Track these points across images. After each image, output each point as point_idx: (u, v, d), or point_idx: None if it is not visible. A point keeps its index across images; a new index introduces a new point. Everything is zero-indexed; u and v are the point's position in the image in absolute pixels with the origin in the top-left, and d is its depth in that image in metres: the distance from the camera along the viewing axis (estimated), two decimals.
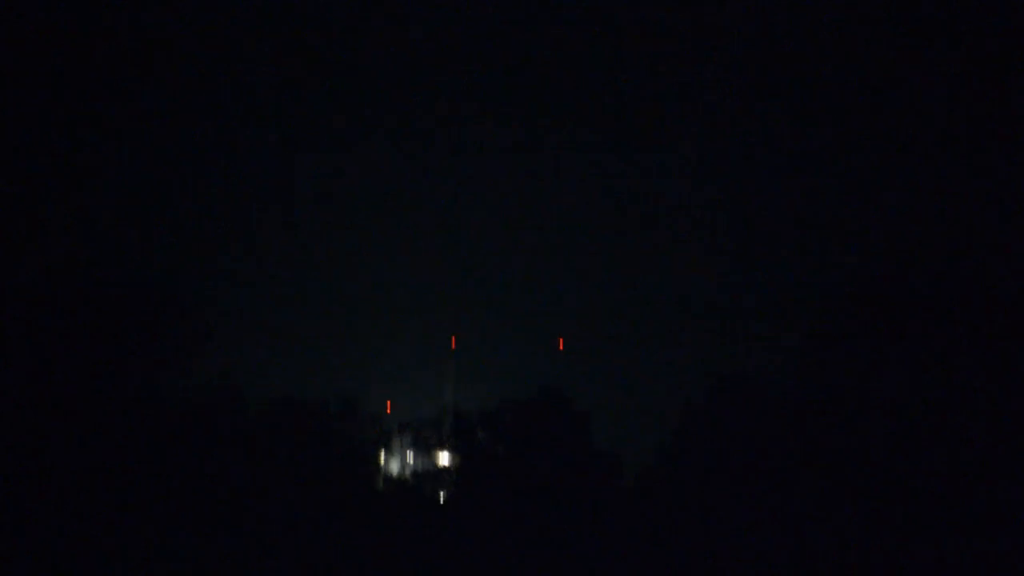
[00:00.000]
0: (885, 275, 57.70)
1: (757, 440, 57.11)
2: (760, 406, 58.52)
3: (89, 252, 62.12)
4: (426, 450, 64.29)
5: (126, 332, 58.01)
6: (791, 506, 54.57)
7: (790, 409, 57.47)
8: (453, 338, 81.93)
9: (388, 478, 64.24)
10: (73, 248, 63.66)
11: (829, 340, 58.25)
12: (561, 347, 74.68)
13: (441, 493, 63.24)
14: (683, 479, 58.32)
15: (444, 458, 64.05)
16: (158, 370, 58.81)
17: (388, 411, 67.00)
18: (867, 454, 54.12)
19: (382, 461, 66.10)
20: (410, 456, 65.24)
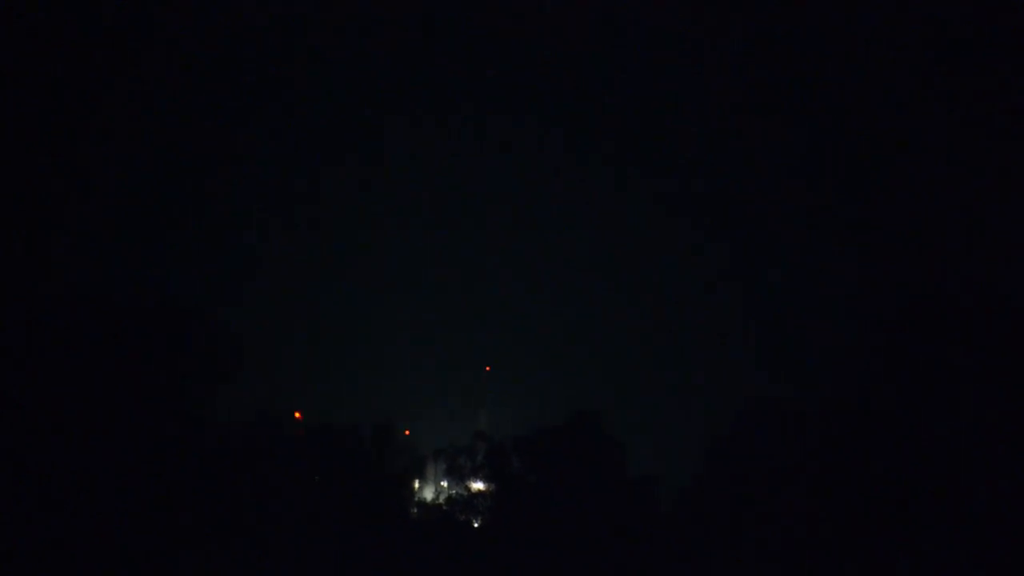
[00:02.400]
0: (918, 299, 57.32)
1: (792, 465, 56.63)
2: (795, 430, 58.12)
3: (128, 281, 62.93)
4: (460, 477, 64.27)
5: (163, 361, 58.55)
6: (827, 531, 54.01)
7: (825, 433, 57.01)
8: (487, 368, 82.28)
9: (422, 504, 64.31)
10: (112, 278, 64.55)
11: (862, 364, 57.84)
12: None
13: (475, 520, 63.18)
14: (718, 506, 57.84)
15: (478, 485, 64.02)
16: (194, 398, 59.25)
17: (422, 438, 67.26)
18: (902, 477, 53.53)
19: (416, 487, 66.26)
20: (444, 483, 65.31)
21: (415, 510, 63.82)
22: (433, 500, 64.61)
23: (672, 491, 61.61)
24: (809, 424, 58.47)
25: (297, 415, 62.42)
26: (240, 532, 55.70)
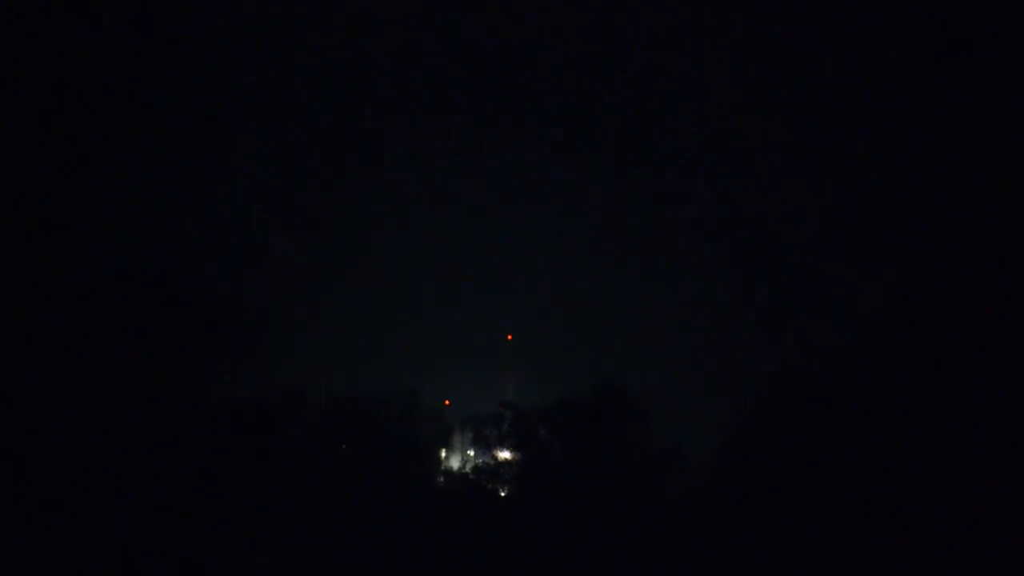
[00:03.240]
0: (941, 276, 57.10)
1: (819, 437, 56.53)
2: (823, 403, 57.96)
3: (148, 257, 63.29)
4: (486, 446, 64.53)
5: (188, 334, 58.95)
6: (853, 503, 54.00)
7: (853, 406, 56.88)
8: (509, 336, 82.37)
9: (448, 473, 64.66)
10: (131, 253, 64.93)
11: (888, 337, 57.58)
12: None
13: (501, 489, 63.49)
14: (745, 475, 57.84)
15: (504, 454, 64.28)
16: (221, 370, 59.66)
17: (448, 407, 67.52)
18: (927, 452, 53.40)
19: (442, 457, 66.62)
20: (470, 452, 65.63)
21: (441, 479, 64.19)
22: (459, 469, 64.93)
23: (697, 461, 61.66)
24: (843, 396, 58.39)
25: (323, 399, 62.55)
26: (266, 503, 56.27)
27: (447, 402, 66.59)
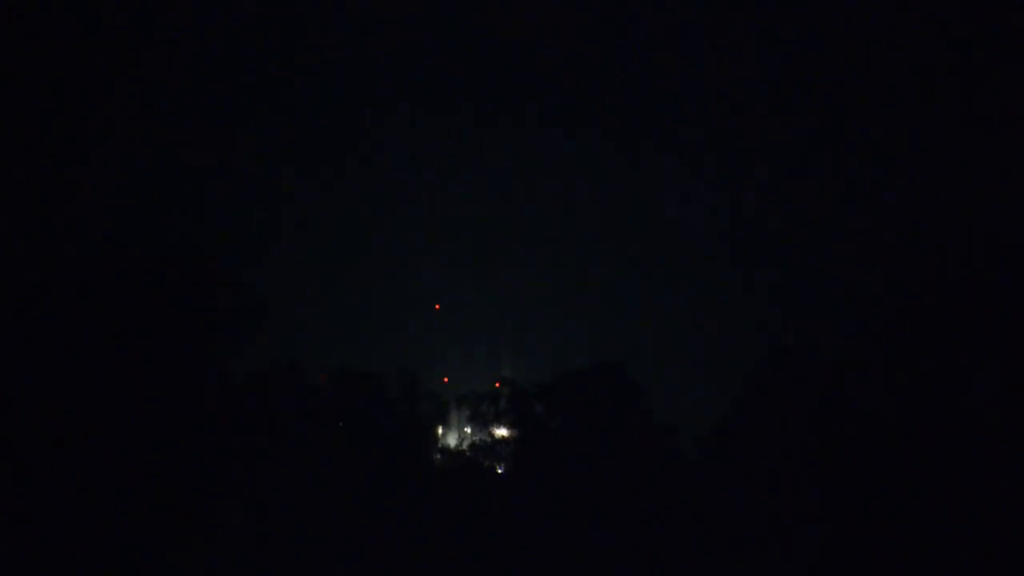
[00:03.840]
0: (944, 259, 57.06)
1: (816, 412, 56.52)
2: (819, 378, 57.92)
3: (146, 232, 63.13)
4: (483, 423, 64.46)
5: (185, 309, 58.86)
6: (850, 479, 54.01)
7: (849, 381, 56.82)
8: (506, 312, 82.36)
9: (445, 450, 64.65)
10: (130, 228, 64.79)
11: (890, 312, 57.55)
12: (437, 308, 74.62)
13: (498, 466, 63.52)
14: (741, 451, 57.88)
15: (501, 431, 64.25)
16: (220, 348, 59.64)
17: (445, 384, 67.53)
18: (928, 428, 53.38)
19: (439, 434, 66.60)
20: (467, 429, 65.59)
21: (438, 456, 64.18)
22: (456, 446, 64.90)
23: (694, 440, 61.67)
24: (839, 371, 58.36)
25: (323, 376, 62.54)
26: (264, 480, 56.31)
27: (445, 379, 66.52)
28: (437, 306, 69.42)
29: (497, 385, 65.42)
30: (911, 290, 57.82)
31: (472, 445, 64.05)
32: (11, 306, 56.00)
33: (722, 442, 59.74)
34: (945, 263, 58.88)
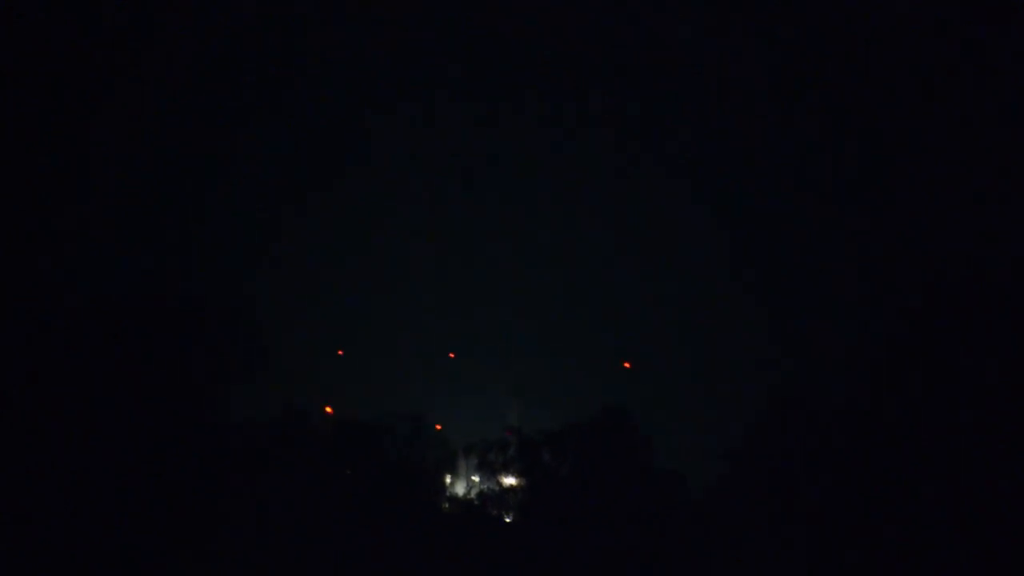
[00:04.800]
0: (946, 292, 57.03)
1: (821, 459, 56.47)
2: (823, 425, 57.91)
3: (155, 277, 63.40)
4: (491, 472, 64.34)
5: (191, 356, 59.07)
6: (856, 525, 53.83)
7: (853, 428, 56.79)
8: (514, 362, 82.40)
9: (453, 499, 64.47)
10: (139, 273, 65.08)
11: (891, 358, 57.55)
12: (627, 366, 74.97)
13: (506, 515, 63.31)
14: (747, 498, 57.75)
15: (509, 480, 64.12)
16: (224, 392, 59.74)
17: (452, 433, 67.37)
18: (932, 472, 53.24)
19: (447, 482, 66.43)
20: (475, 477, 65.46)
21: (446, 505, 64.00)
22: (464, 495, 64.76)
23: (699, 486, 61.59)
24: (843, 418, 58.34)
25: (328, 409, 62.70)
26: (267, 526, 56.16)
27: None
28: (452, 355, 69.63)
29: (506, 434, 65.41)
30: (915, 308, 57.72)
31: (480, 494, 63.92)
32: (14, 344, 56.31)
33: (728, 489, 59.62)
34: (947, 277, 58.86)
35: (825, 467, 56.02)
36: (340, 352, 73.87)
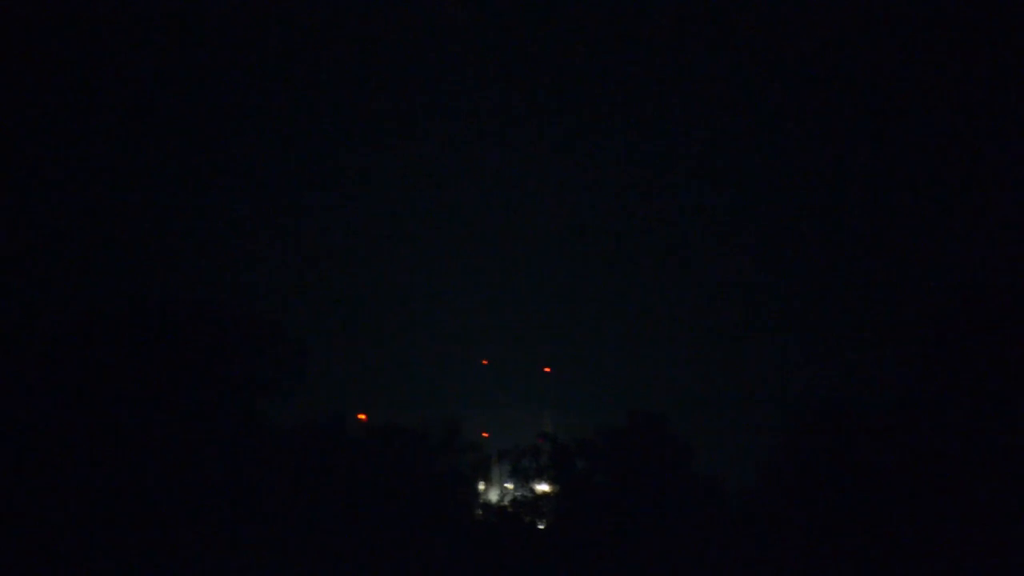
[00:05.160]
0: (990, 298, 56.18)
1: (859, 466, 55.86)
2: (863, 432, 57.28)
3: (194, 283, 63.88)
4: (524, 478, 64.15)
5: (229, 361, 59.37)
6: (894, 533, 53.23)
7: (894, 436, 56.15)
8: (547, 368, 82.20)
9: (486, 506, 64.36)
10: (178, 279, 65.58)
11: (932, 365, 56.83)
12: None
13: (540, 522, 63.08)
14: (785, 505, 57.22)
15: (542, 487, 63.89)
16: (259, 398, 60.00)
17: (486, 439, 67.31)
18: (974, 484, 52.53)
19: (481, 489, 66.32)
20: (508, 484, 65.29)
21: (480, 511, 63.92)
22: (498, 502, 64.65)
23: (735, 492, 61.16)
24: (884, 426, 57.72)
25: (362, 416, 62.80)
26: (302, 531, 56.29)
27: (485, 434, 66.42)
28: (485, 361, 69.58)
29: (539, 440, 65.19)
30: (951, 319, 57.00)
31: (514, 500, 63.75)
32: (45, 354, 56.81)
33: (765, 494, 59.13)
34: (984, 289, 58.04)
35: (860, 476, 55.40)
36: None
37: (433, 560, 58.49)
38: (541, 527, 63.20)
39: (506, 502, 64.14)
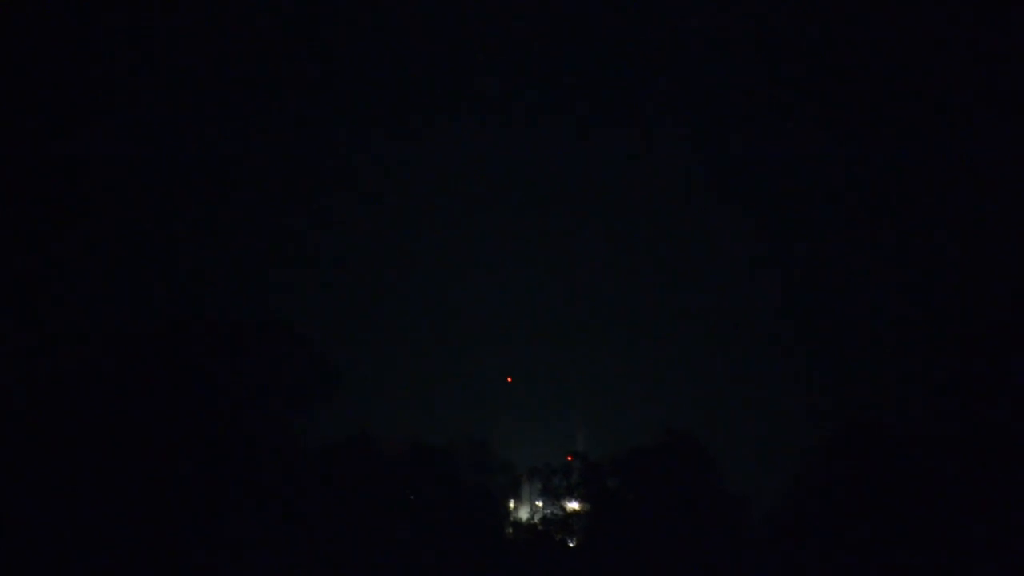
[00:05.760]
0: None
1: (888, 484, 55.45)
2: (891, 449, 56.89)
3: (225, 302, 64.40)
4: (554, 497, 64.09)
5: (261, 380, 59.81)
6: (921, 550, 52.77)
7: (921, 453, 55.75)
8: (578, 386, 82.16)
9: (517, 524, 64.29)
10: (211, 297, 66.15)
11: (966, 381, 56.39)
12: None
13: (570, 540, 62.95)
14: (814, 522, 56.84)
15: (573, 505, 63.79)
16: (291, 416, 60.38)
17: (516, 457, 67.33)
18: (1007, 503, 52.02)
19: (511, 507, 66.29)
20: (539, 502, 65.23)
21: (510, 530, 63.85)
22: (528, 520, 64.56)
23: (764, 510, 60.84)
24: (911, 443, 57.33)
25: (390, 443, 62.97)
26: (334, 549, 56.47)
27: (509, 379, 66.30)
28: (509, 379, 69.57)
29: (569, 459, 65.15)
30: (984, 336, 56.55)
31: (544, 519, 63.64)
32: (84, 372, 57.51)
33: (795, 511, 58.75)
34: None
35: (892, 494, 54.99)
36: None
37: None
38: (572, 545, 63.06)
39: (536, 520, 64.04)
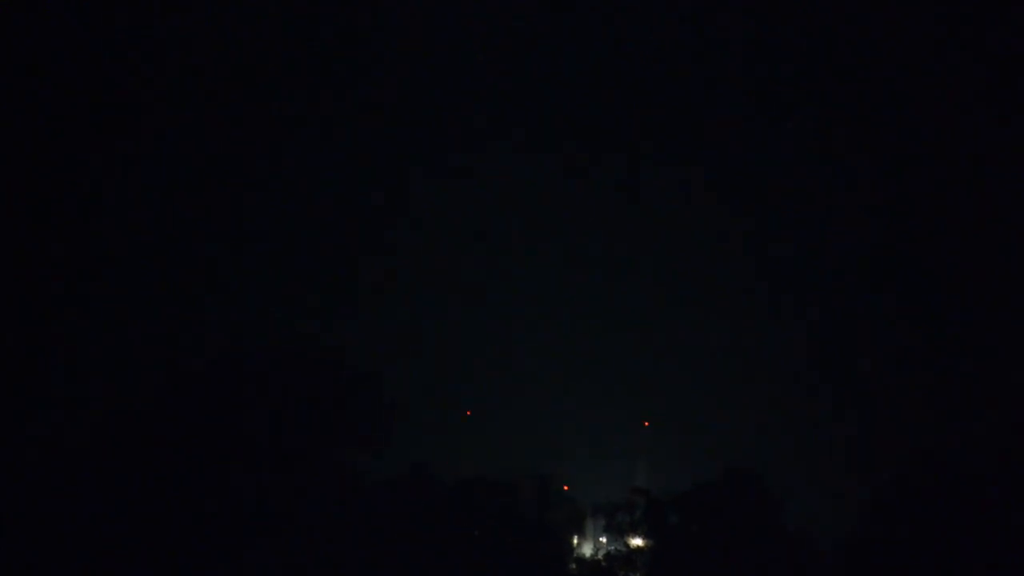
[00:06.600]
0: None
1: (960, 521, 54.60)
2: (961, 485, 56.04)
3: (290, 338, 65.72)
4: (618, 533, 64.10)
5: (324, 415, 60.93)
6: None
7: (996, 490, 54.84)
8: (646, 423, 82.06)
9: (580, 560, 64.39)
10: (273, 333, 67.63)
11: None
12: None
13: None
14: (880, 562, 56.13)
15: (636, 541, 63.74)
16: (353, 451, 61.35)
17: (580, 493, 67.49)
18: None
19: (575, 543, 66.40)
20: (602, 539, 65.27)
21: (573, 566, 63.95)
22: (592, 556, 64.63)
23: (830, 546, 60.18)
24: (983, 478, 56.43)
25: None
26: None
27: (565, 487, 66.62)
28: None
29: (632, 494, 65.14)
30: None
31: (607, 555, 63.66)
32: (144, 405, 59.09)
33: (861, 549, 58.06)
34: None
35: (957, 531, 54.14)
36: (468, 412, 74.92)
37: None
38: None
39: (600, 556, 64.09)
